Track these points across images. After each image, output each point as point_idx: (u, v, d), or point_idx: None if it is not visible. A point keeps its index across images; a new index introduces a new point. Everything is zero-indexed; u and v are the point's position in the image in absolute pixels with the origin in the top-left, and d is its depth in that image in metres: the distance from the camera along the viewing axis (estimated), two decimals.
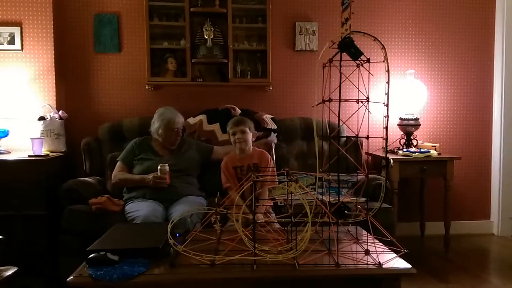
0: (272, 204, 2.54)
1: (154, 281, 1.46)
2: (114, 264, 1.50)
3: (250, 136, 2.57)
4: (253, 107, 3.41)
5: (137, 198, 2.61)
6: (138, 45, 3.38)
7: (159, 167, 2.57)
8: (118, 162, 2.80)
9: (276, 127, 3.25)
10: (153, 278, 1.45)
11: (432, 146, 3.39)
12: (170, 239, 1.58)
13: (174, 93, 3.46)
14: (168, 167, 2.59)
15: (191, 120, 3.19)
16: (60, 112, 3.15)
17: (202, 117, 3.20)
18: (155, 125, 2.82)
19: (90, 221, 2.50)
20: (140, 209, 2.43)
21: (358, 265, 1.53)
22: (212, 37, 3.28)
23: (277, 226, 2.13)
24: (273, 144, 3.08)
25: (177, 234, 1.72)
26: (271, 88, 3.51)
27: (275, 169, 2.45)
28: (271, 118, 3.29)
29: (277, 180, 2.47)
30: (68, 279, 1.43)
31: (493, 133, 3.82)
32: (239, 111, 3.24)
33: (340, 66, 1.58)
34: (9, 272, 1.96)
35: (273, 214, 2.45)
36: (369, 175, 1.75)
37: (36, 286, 2.64)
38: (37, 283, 2.66)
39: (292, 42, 3.56)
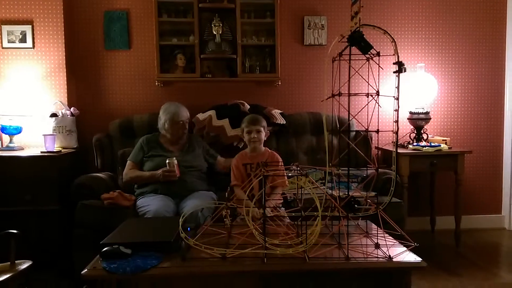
0: (282, 200, 2.55)
1: (166, 274, 1.48)
2: (127, 257, 1.52)
3: (263, 135, 2.57)
4: (262, 102, 3.41)
5: (149, 193, 2.64)
6: (148, 42, 3.40)
7: (167, 161, 2.60)
8: (128, 161, 2.84)
9: (285, 122, 3.25)
10: (165, 271, 1.48)
11: (443, 140, 3.36)
12: (182, 233, 1.60)
13: (183, 89, 3.48)
14: (176, 160, 2.62)
15: (201, 116, 3.21)
16: (72, 108, 3.18)
17: (211, 112, 3.21)
18: (161, 120, 2.86)
19: (102, 215, 2.53)
20: (151, 203, 2.46)
21: (368, 259, 1.53)
22: (220, 32, 3.28)
23: (287, 220, 2.14)
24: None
25: (188, 228, 1.74)
26: (280, 83, 3.51)
27: (285, 172, 2.44)
28: (280, 113, 3.29)
29: (287, 182, 2.47)
30: (82, 272, 1.45)
31: (504, 126, 3.78)
32: (248, 107, 3.25)
33: (350, 60, 1.58)
34: (24, 266, 2.00)
35: (283, 209, 2.45)
36: (379, 169, 1.74)
37: (51, 280, 2.69)
38: (51, 277, 2.71)
39: (301, 37, 3.55)
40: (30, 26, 3.19)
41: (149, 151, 2.82)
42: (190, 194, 2.64)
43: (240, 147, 3.06)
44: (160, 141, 2.88)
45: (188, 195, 2.63)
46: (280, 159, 2.57)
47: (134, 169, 2.79)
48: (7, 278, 1.87)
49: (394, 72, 1.56)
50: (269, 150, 2.62)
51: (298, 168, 1.84)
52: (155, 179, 2.65)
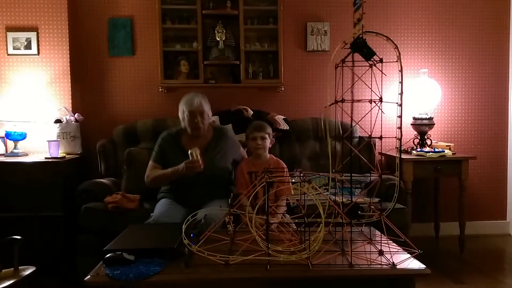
0: (286, 208, 2.53)
1: (169, 281, 1.48)
2: (130, 263, 1.52)
3: (268, 143, 2.56)
4: (265, 108, 3.42)
5: (163, 197, 2.58)
6: (151, 48, 3.41)
7: (189, 152, 2.34)
8: (150, 162, 2.61)
9: (288, 128, 3.25)
10: (168, 278, 1.47)
11: (447, 145, 3.35)
12: (185, 239, 1.60)
13: None
14: (199, 150, 2.35)
15: None
16: (76, 114, 3.20)
17: (215, 118, 3.21)
18: (180, 111, 2.59)
19: (106, 219, 2.54)
20: (157, 209, 2.45)
21: (371, 266, 1.53)
22: (224, 39, 3.30)
23: (294, 227, 2.13)
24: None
25: (191, 235, 1.74)
26: (283, 88, 3.52)
27: (290, 180, 2.39)
28: (283, 118, 3.30)
29: (292, 190, 2.45)
30: (85, 279, 1.45)
31: (509, 132, 3.76)
32: (251, 112, 3.26)
33: (353, 66, 1.58)
34: (28, 272, 2.01)
35: (287, 215, 2.44)
36: (382, 175, 1.74)
37: (54, 286, 2.69)
38: (55, 283, 2.71)
39: (304, 43, 3.57)
40: (35, 33, 3.22)
41: (169, 153, 2.57)
42: (203, 205, 2.45)
43: None
44: (180, 141, 2.60)
45: (201, 206, 2.44)
46: (285, 167, 2.56)
47: (155, 169, 2.55)
48: (10, 284, 1.87)
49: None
50: (274, 158, 2.60)
51: (302, 174, 1.83)
52: (178, 173, 2.40)
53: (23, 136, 3.12)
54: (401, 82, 1.57)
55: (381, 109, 1.59)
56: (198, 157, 2.33)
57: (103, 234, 2.13)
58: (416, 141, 3.39)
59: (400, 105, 1.58)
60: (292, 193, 2.43)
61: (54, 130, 3.14)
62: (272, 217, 2.24)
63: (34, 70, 3.25)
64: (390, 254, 1.59)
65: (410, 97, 3.33)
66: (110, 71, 3.46)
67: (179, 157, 2.44)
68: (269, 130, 2.57)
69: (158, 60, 3.31)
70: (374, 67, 1.64)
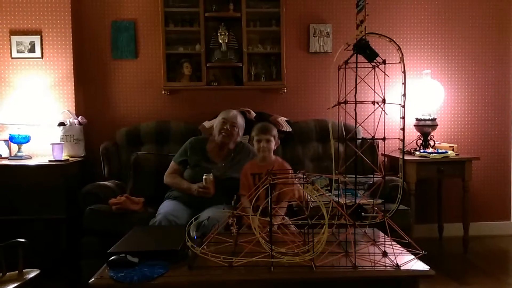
0: (285, 209, 2.52)
1: (173, 283, 1.48)
2: (134, 266, 1.53)
3: (273, 145, 2.55)
4: (268, 110, 3.42)
5: (172, 199, 2.65)
6: (154, 51, 3.43)
7: (204, 177, 2.48)
8: (172, 162, 2.78)
9: (291, 130, 3.25)
10: (172, 280, 1.48)
11: (450, 146, 3.34)
12: (188, 241, 1.60)
13: (190, 97, 3.50)
14: (212, 177, 2.49)
15: (207, 124, 3.22)
16: (79, 117, 3.21)
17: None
18: (215, 122, 2.82)
19: (110, 221, 2.55)
20: (163, 208, 2.48)
21: (375, 267, 1.52)
22: (226, 41, 3.31)
23: (293, 228, 2.13)
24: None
25: (195, 237, 1.74)
26: (285, 90, 3.52)
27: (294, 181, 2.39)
28: (286, 120, 3.30)
29: (296, 193, 2.44)
30: (90, 281, 1.46)
31: None
32: (254, 114, 3.26)
33: (356, 68, 1.59)
34: (32, 275, 2.01)
35: (286, 218, 2.44)
36: (385, 177, 1.74)
37: None
38: (59, 285, 2.72)
39: (306, 44, 3.57)
40: (39, 36, 3.24)
41: (192, 156, 2.73)
42: (210, 206, 2.54)
43: None
44: (206, 148, 2.78)
45: (207, 207, 2.53)
46: (290, 168, 2.55)
47: (175, 173, 2.73)
48: (15, 287, 1.87)
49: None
50: (279, 160, 2.59)
51: (304, 176, 1.83)
52: (190, 192, 2.57)
53: (27, 139, 3.13)
54: (404, 83, 1.57)
55: (384, 111, 1.59)
56: (210, 184, 2.47)
57: (107, 236, 2.13)
58: (419, 142, 3.39)
59: (403, 106, 1.58)
60: (297, 195, 2.42)
61: (57, 133, 3.15)
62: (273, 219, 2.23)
63: (37, 73, 3.26)
64: (394, 255, 1.59)
65: (413, 98, 3.33)
66: (113, 74, 3.47)
67: (200, 162, 2.65)
68: (275, 132, 2.56)
69: (161, 63, 3.32)
70: (377, 69, 1.64)
